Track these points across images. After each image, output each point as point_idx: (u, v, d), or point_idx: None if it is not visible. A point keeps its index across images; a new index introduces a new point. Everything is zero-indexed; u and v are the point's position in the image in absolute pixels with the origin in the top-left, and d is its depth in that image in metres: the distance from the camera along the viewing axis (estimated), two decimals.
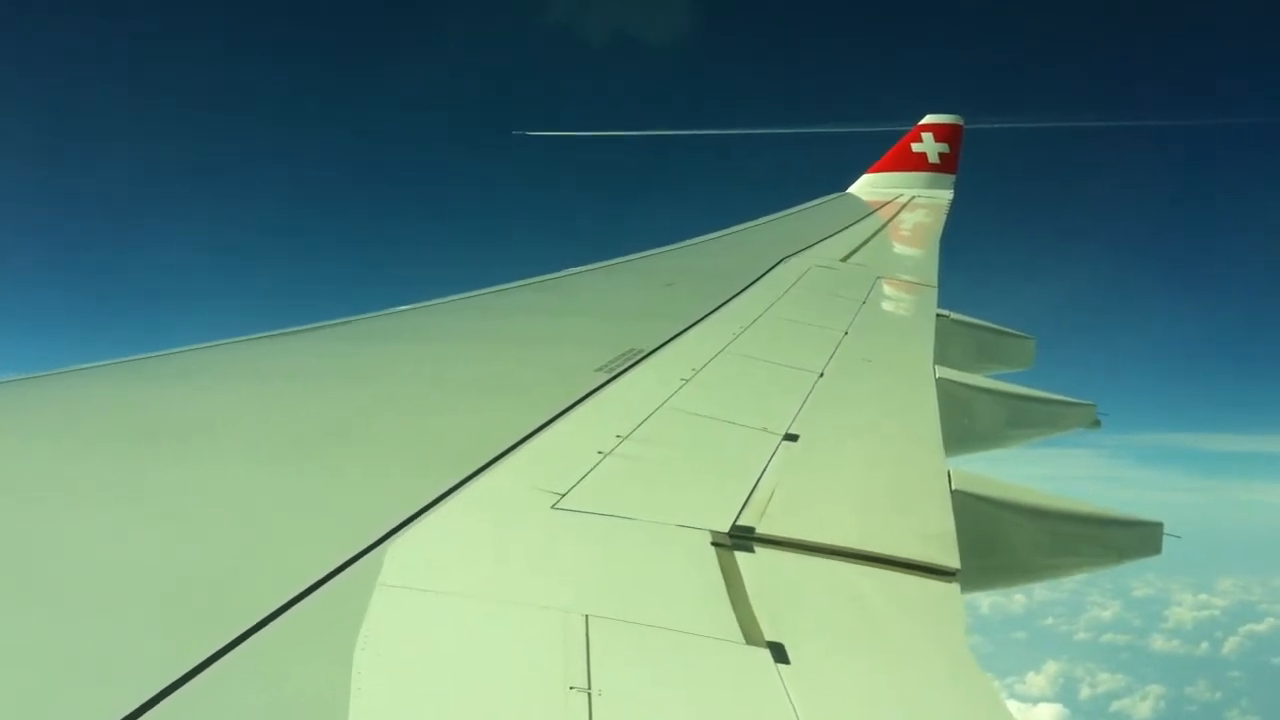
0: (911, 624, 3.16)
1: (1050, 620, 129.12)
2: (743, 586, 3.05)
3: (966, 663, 2.88)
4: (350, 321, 6.70)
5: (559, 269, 9.34)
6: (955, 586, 3.36)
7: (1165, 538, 5.12)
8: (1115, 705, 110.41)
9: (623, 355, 5.65)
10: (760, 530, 3.50)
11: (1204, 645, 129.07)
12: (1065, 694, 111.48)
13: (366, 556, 2.84)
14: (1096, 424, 7.94)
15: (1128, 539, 5.24)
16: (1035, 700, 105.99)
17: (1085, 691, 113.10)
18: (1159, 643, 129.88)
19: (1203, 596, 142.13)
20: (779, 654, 2.66)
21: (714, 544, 3.34)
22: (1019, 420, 7.49)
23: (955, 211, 17.38)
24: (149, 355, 5.55)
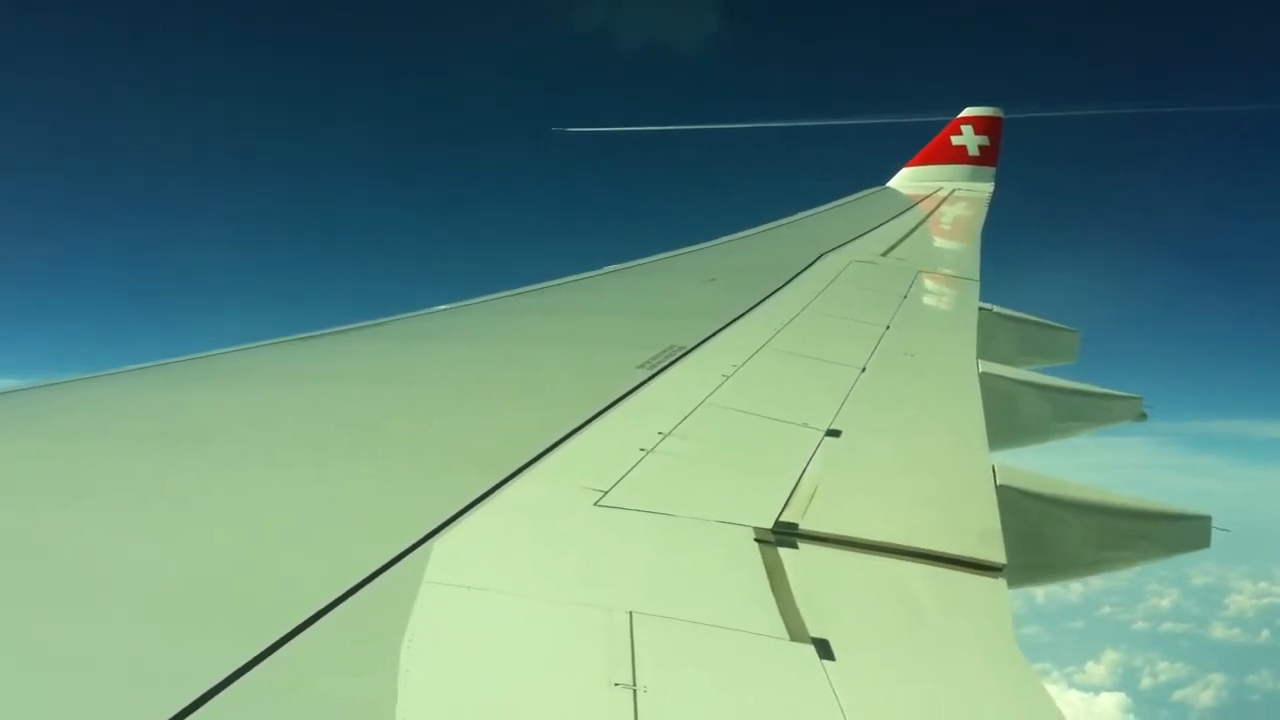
0: (958, 620, 3.14)
1: (1107, 609, 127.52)
2: (786, 583, 3.04)
3: (1014, 659, 2.85)
4: (393, 321, 6.74)
5: (599, 265, 9.36)
6: (1002, 582, 3.33)
7: (1214, 530, 5.06)
8: (1177, 695, 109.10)
9: (664, 352, 5.65)
10: (803, 526, 3.49)
11: (1265, 633, 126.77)
12: (1126, 683, 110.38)
13: (413, 554, 2.86)
14: (1143, 416, 7.86)
15: (1175, 532, 5.18)
16: (1096, 690, 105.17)
17: (1146, 681, 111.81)
18: (1219, 631, 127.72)
19: (1263, 584, 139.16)
20: (824, 650, 2.65)
21: (757, 540, 3.34)
22: (1064, 414, 7.43)
23: (996, 203, 17.27)
24: (196, 356, 5.61)
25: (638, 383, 5.00)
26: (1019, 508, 4.16)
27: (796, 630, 2.76)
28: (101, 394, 4.96)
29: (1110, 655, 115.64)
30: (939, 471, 4.47)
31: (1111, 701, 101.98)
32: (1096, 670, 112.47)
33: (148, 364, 5.47)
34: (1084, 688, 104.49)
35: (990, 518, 3.81)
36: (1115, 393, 7.81)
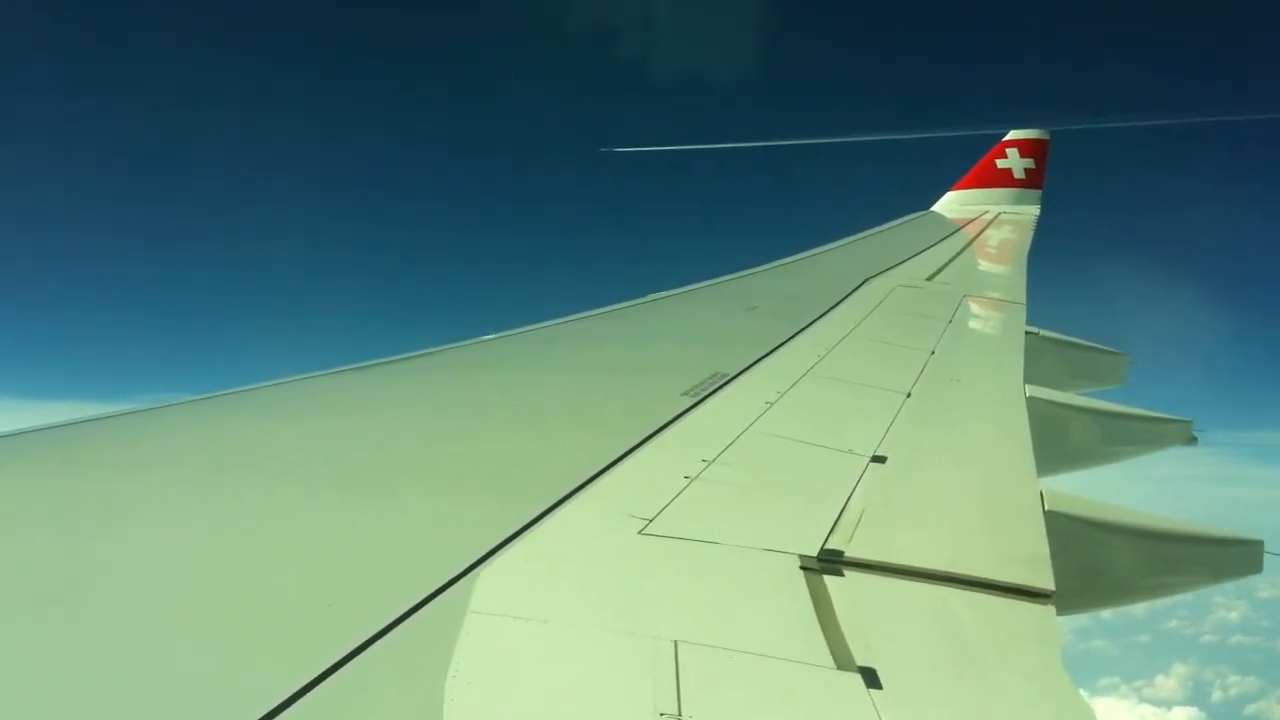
0: (1005, 647, 3.11)
1: (1174, 623, 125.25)
2: (832, 610, 3.02)
3: (1063, 686, 2.82)
4: (439, 352, 6.79)
5: (648, 282, 9.39)
6: (1050, 609, 3.30)
7: (1266, 556, 4.99)
8: (1250, 708, 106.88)
9: (708, 379, 5.65)
10: (849, 554, 3.48)
11: None
12: (1196, 697, 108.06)
13: (457, 584, 2.87)
14: (1193, 440, 7.78)
15: (1227, 557, 5.12)
16: (1169, 704, 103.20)
17: (1217, 694, 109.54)
18: None
19: None
20: (871, 679, 2.64)
21: (803, 568, 3.32)
22: (1113, 438, 7.37)
23: (1042, 225, 17.18)
24: (233, 390, 5.67)
25: (682, 410, 5.00)
26: (1067, 533, 4.12)
27: (843, 659, 2.74)
28: (149, 426, 5.01)
29: (1179, 669, 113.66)
30: (986, 497, 4.44)
31: (1185, 716, 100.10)
32: (1166, 684, 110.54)
33: (192, 398, 5.54)
34: (1155, 702, 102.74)
35: (1038, 543, 3.77)
36: (1165, 416, 7.73)
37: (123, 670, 2.39)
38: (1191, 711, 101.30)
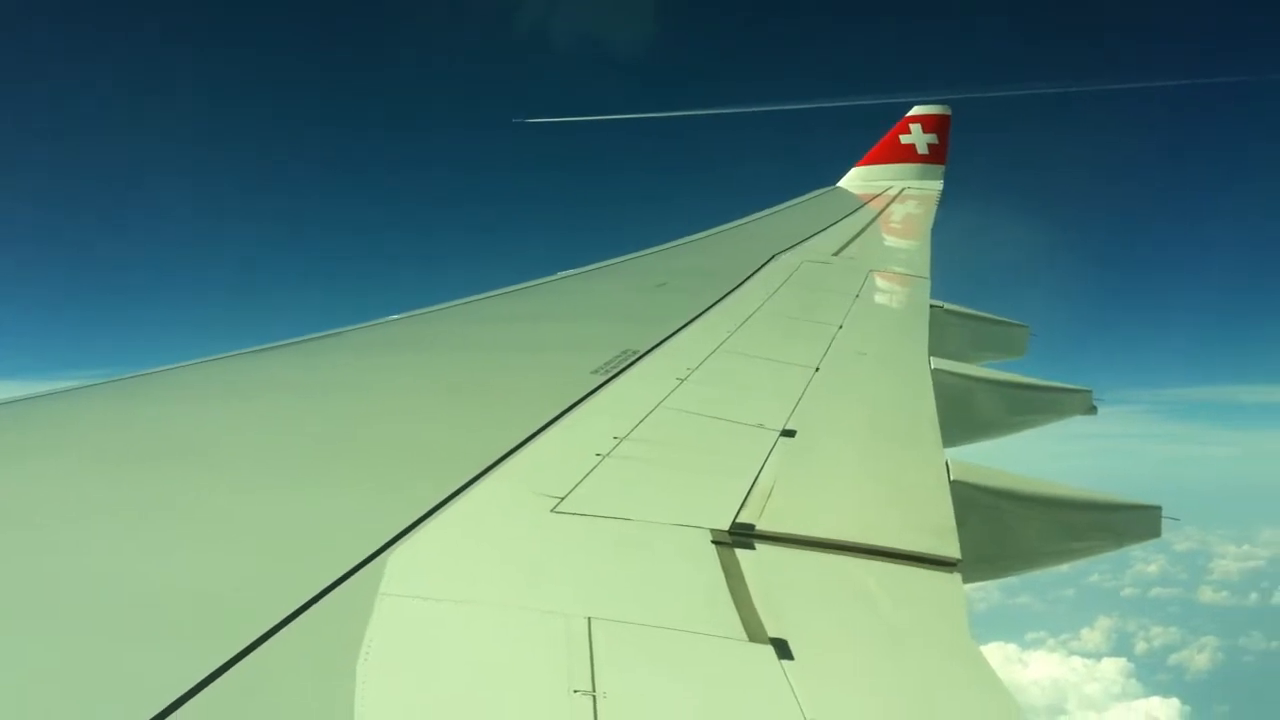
0: (914, 616, 3.16)
1: (1096, 577, 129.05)
2: (744, 584, 3.05)
3: (970, 653, 2.88)
4: (344, 332, 6.71)
5: (560, 259, 9.40)
6: (957, 577, 3.36)
7: (1164, 520, 5.14)
8: (1173, 658, 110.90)
9: (618, 357, 5.65)
10: (760, 527, 3.50)
11: (1253, 596, 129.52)
12: (1121, 648, 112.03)
13: (367, 566, 2.84)
14: (1093, 410, 7.96)
15: (1127, 523, 5.25)
16: (1096, 656, 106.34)
17: (1141, 645, 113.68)
18: (1208, 595, 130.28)
19: (1246, 548, 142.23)
20: (782, 650, 2.66)
21: (714, 542, 3.35)
22: (1015, 408, 7.52)
23: (946, 198, 17.45)
24: (146, 372, 5.56)
25: (592, 388, 5.00)
26: (973, 502, 4.20)
27: (755, 631, 2.76)
28: (59, 409, 4.90)
29: (1103, 622, 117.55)
30: (893, 469, 4.50)
31: (1114, 666, 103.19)
32: (1091, 637, 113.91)
33: (100, 380, 5.42)
34: (1082, 654, 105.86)
35: (944, 513, 3.84)
36: (1065, 386, 7.92)
37: (22, 662, 2.33)
38: (1120, 662, 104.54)
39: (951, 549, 3.51)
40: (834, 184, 18.58)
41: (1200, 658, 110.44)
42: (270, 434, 4.40)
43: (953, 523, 3.73)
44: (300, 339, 6.47)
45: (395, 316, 7.27)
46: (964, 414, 6.56)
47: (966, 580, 3.38)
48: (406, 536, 3.08)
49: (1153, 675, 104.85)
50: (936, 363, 6.59)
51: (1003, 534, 4.63)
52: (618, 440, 4.24)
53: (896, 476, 4.38)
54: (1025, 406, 7.65)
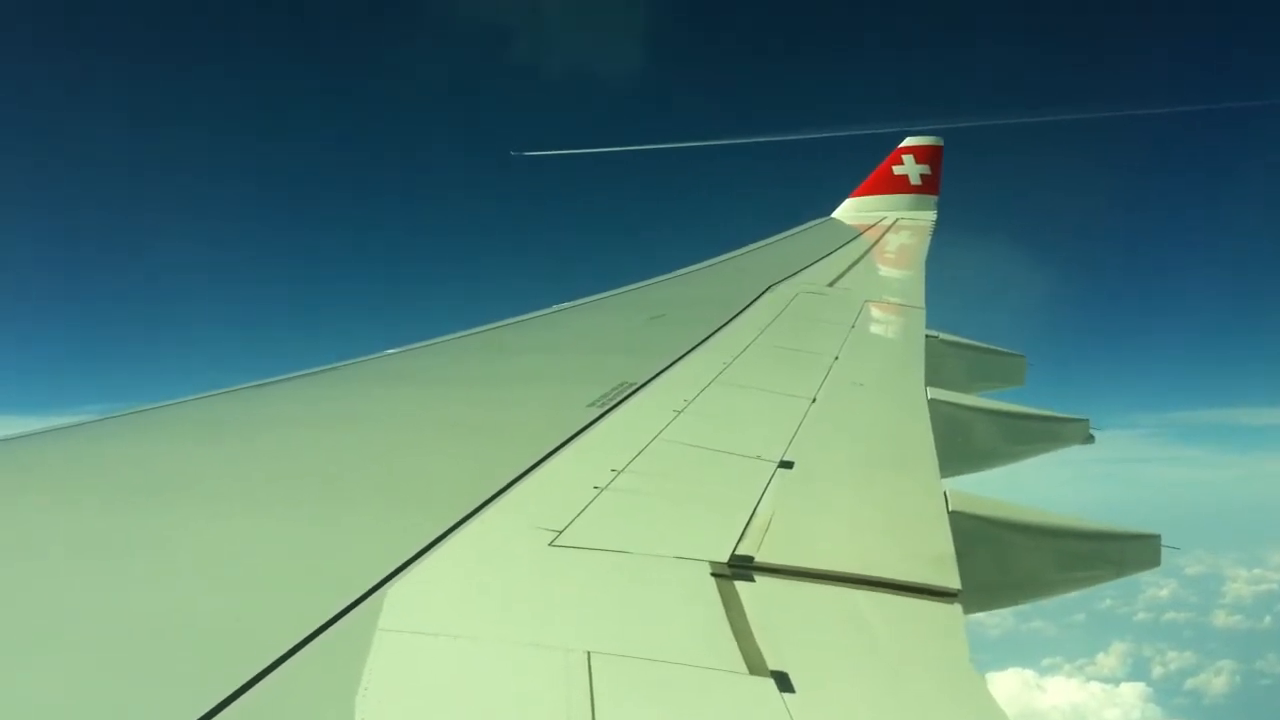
0: (914, 647, 3.15)
1: (1109, 602, 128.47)
2: (744, 616, 3.03)
3: (971, 682, 2.87)
4: (342, 366, 6.71)
5: (557, 291, 9.42)
6: (957, 607, 3.35)
7: (1164, 549, 5.13)
8: (1190, 682, 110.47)
9: (615, 389, 5.65)
10: (759, 559, 3.50)
11: (1267, 619, 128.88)
12: (1137, 673, 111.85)
13: (365, 602, 2.83)
14: (1090, 439, 7.96)
15: (1126, 552, 5.25)
16: (1114, 680, 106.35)
17: (1157, 670, 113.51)
18: (1221, 619, 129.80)
19: (1256, 571, 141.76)
20: (783, 683, 2.65)
21: (714, 574, 3.33)
22: (1013, 438, 7.52)
23: (939, 231, 17.53)
24: (144, 408, 5.55)
25: (590, 420, 5.00)
26: (972, 533, 4.19)
27: (755, 664, 2.75)
28: (58, 445, 4.89)
29: (1118, 647, 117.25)
30: (892, 499, 4.50)
31: (1133, 691, 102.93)
32: (1107, 662, 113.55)
33: (91, 419, 5.41)
34: (1099, 679, 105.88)
35: (943, 544, 3.83)
36: (1062, 415, 7.91)
37: (24, 695, 2.31)
38: (1138, 687, 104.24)
39: (952, 579, 3.50)
40: (828, 215, 18.66)
41: (1218, 681, 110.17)
42: (267, 469, 4.39)
43: (952, 553, 3.73)
44: (298, 374, 6.47)
45: (392, 350, 7.28)
46: (961, 444, 6.56)
47: (967, 610, 3.37)
48: (405, 572, 3.06)
49: (1171, 699, 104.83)
50: (933, 393, 6.60)
51: (1002, 564, 4.62)
52: (615, 473, 4.24)
53: (895, 507, 4.38)
54: (1022, 436, 7.65)
